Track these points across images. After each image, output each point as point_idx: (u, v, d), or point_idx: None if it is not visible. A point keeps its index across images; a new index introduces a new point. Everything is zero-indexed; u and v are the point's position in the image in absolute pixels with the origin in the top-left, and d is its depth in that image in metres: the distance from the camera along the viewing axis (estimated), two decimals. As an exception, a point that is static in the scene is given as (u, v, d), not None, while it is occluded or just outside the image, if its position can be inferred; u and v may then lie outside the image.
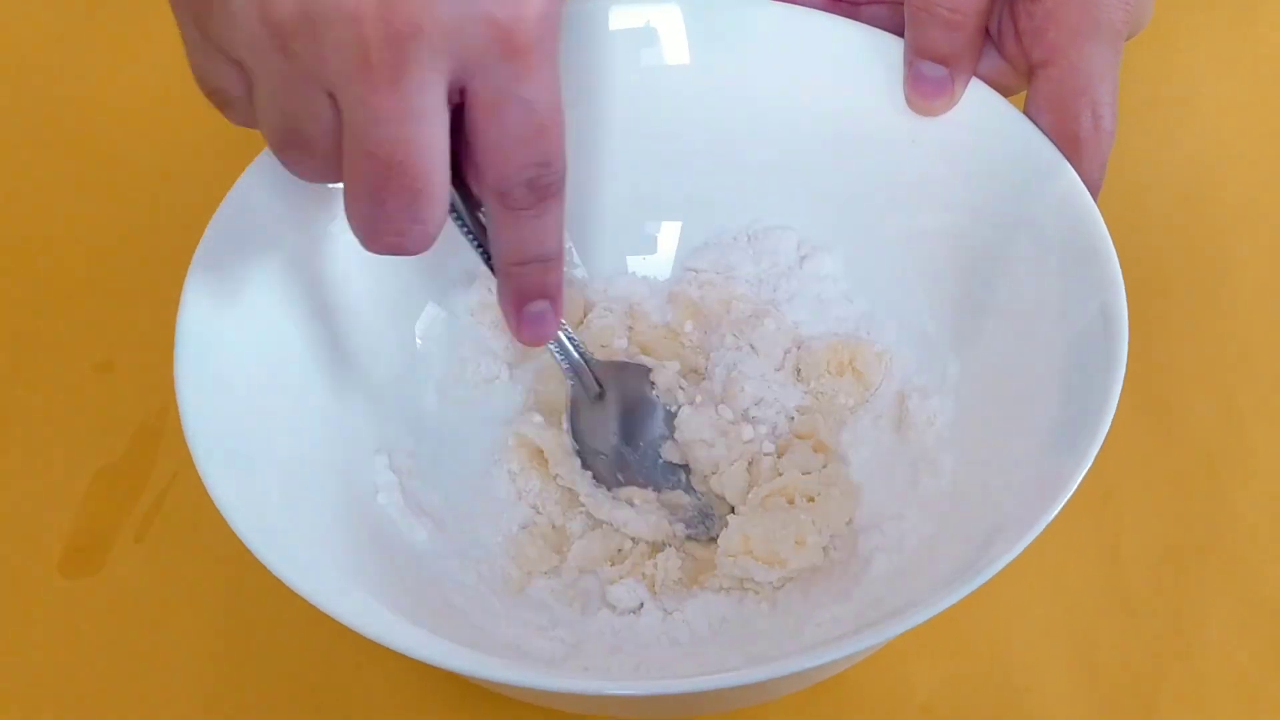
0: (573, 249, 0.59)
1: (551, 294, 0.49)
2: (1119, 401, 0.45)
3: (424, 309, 0.57)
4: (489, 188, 0.45)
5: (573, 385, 0.55)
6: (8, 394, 0.61)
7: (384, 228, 0.44)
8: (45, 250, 0.65)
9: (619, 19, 0.57)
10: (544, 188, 0.45)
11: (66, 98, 0.71)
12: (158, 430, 0.59)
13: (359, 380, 0.54)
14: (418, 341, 0.57)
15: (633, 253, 0.60)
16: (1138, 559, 0.56)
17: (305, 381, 0.52)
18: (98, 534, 0.57)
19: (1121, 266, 0.49)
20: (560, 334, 0.53)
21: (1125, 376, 0.46)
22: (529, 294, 0.48)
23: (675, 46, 0.57)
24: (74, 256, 0.65)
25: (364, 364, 0.54)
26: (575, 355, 0.54)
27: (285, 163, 0.45)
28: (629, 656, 0.51)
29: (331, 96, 0.42)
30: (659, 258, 0.60)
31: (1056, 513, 0.43)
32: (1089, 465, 0.44)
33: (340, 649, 0.53)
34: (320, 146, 0.44)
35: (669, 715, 0.51)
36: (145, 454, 0.59)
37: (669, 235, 0.60)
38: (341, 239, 0.52)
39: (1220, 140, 0.68)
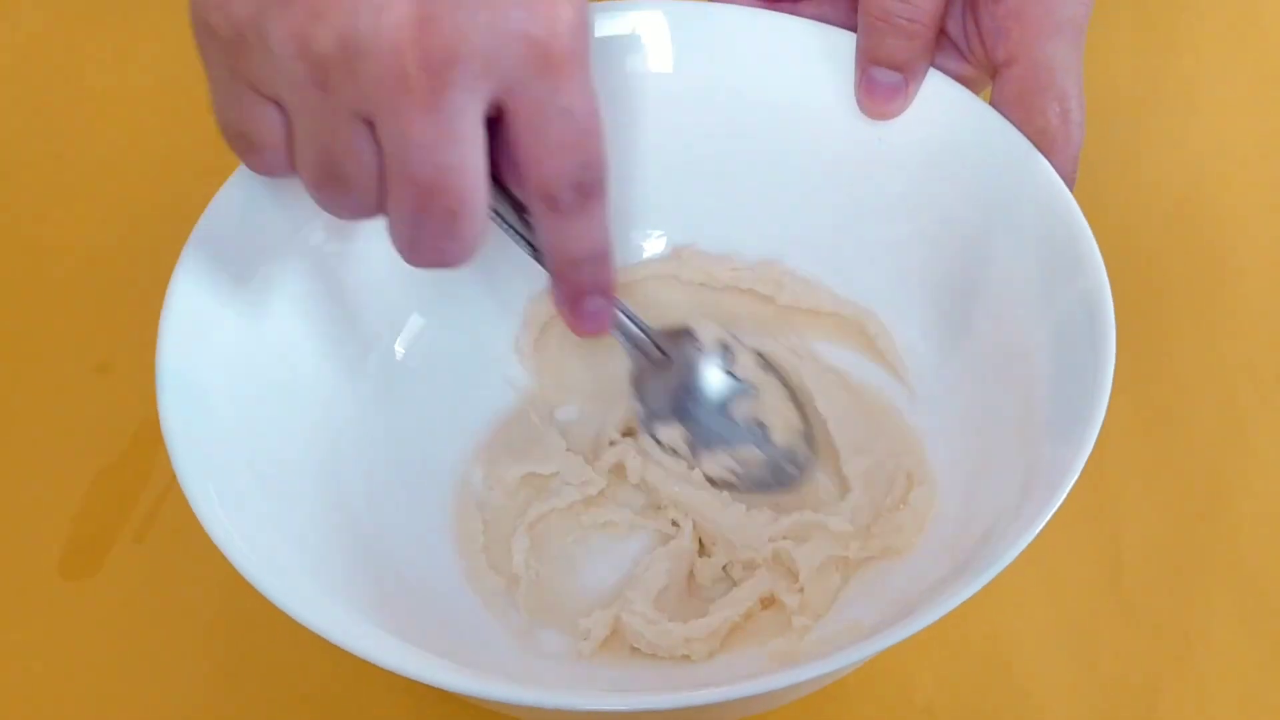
0: None
1: (605, 289, 0.49)
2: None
3: (407, 320, 0.57)
4: (534, 194, 0.46)
5: (635, 359, 0.55)
6: (8, 394, 0.61)
7: (424, 246, 0.45)
8: (44, 251, 0.65)
9: (603, 27, 0.56)
10: (588, 188, 0.46)
11: (66, 97, 0.71)
12: (157, 431, 0.59)
13: (343, 390, 0.54)
14: (399, 351, 0.56)
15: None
16: (1138, 559, 0.56)
17: (289, 393, 0.51)
18: (98, 534, 0.57)
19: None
20: (618, 313, 0.53)
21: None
22: (584, 291, 0.49)
23: (659, 54, 0.56)
24: (73, 257, 0.65)
25: (347, 374, 0.54)
26: (635, 330, 0.54)
27: (322, 200, 0.46)
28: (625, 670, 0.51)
29: (371, 127, 0.43)
30: None
31: (1057, 506, 0.43)
32: (1086, 457, 0.44)
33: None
34: (360, 181, 0.44)
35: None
36: (145, 454, 0.59)
37: (654, 248, 0.59)
38: (321, 249, 0.53)
39: (1220, 140, 0.68)
